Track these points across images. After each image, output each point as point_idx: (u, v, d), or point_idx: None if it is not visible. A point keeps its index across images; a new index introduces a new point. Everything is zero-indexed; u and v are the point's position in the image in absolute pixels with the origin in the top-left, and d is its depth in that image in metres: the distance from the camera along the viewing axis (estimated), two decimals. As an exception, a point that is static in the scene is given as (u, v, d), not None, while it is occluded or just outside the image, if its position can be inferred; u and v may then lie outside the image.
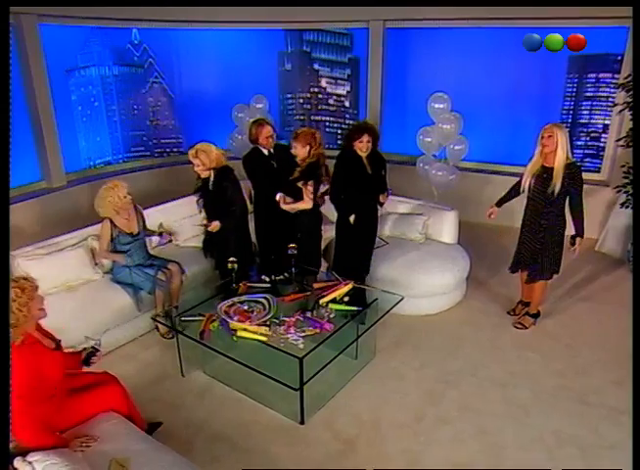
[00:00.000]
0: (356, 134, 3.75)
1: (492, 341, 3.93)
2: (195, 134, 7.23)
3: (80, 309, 3.58)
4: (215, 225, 4.02)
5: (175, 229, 4.52)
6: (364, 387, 3.43)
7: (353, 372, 3.55)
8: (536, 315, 4.10)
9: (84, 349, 2.73)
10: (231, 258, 3.68)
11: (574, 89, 6.17)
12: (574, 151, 6.28)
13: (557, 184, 3.56)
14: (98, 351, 2.73)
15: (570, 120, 6.26)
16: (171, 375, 3.55)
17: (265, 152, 4.22)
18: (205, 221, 4.14)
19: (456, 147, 4.97)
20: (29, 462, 2.09)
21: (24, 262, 3.63)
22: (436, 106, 5.16)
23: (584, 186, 3.67)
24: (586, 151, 6.30)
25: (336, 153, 3.99)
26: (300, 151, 3.87)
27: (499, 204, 4.05)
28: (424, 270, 4.15)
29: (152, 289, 3.83)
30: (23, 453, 2.14)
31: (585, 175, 6.00)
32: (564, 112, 6.26)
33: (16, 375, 2.18)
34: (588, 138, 6.26)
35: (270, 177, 4.18)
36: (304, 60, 7.26)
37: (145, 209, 4.25)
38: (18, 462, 2.10)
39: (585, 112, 6.18)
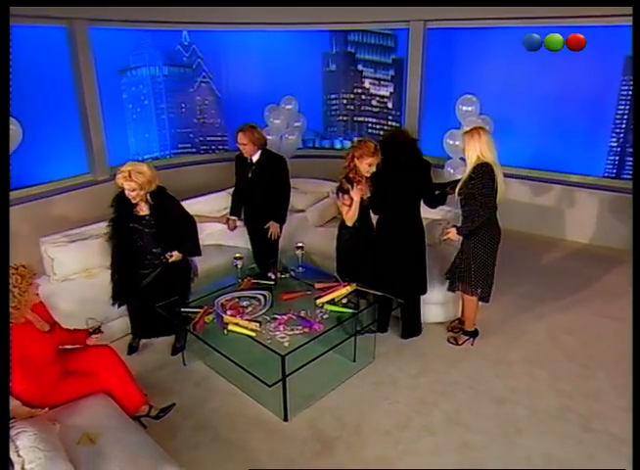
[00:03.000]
0: None
1: (500, 354, 3.76)
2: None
3: (97, 295, 3.81)
4: (177, 256, 3.59)
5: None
6: (356, 390, 3.42)
7: (348, 374, 3.54)
8: (472, 333, 3.86)
9: (90, 327, 3.00)
10: (237, 254, 3.80)
11: (631, 91, 5.72)
12: (627, 158, 5.87)
13: (458, 188, 3.47)
14: (101, 331, 3.02)
15: (624, 125, 5.83)
16: (173, 363, 3.71)
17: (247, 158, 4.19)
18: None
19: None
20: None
21: (51, 249, 3.93)
22: (464, 108, 4.99)
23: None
24: (642, 158, 5.83)
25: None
26: None
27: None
28: (435, 277, 4.04)
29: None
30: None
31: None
32: (617, 115, 5.83)
33: None
34: (645, 144, 5.80)
35: (245, 183, 4.23)
36: (348, 60, 7.28)
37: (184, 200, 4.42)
38: None
39: (642, 115, 5.71)
